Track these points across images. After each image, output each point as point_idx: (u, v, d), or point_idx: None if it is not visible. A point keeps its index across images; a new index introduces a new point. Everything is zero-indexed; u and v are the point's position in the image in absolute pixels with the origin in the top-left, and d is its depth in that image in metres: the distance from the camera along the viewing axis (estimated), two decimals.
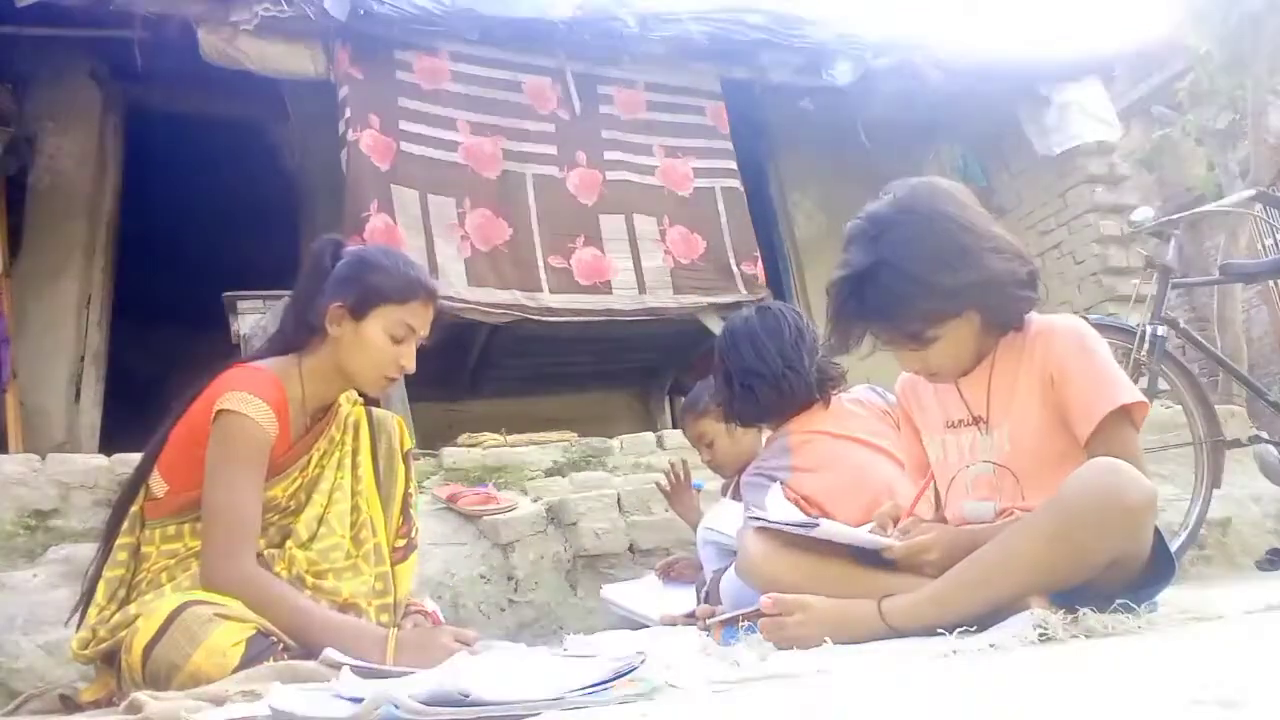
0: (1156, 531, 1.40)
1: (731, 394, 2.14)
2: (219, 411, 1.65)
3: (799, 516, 1.71)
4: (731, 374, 2.14)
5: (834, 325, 1.57)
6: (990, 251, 1.51)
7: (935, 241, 1.50)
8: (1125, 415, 1.48)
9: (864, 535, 1.56)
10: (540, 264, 4.40)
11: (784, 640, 1.47)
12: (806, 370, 2.10)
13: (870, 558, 1.56)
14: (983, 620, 1.35)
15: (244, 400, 1.66)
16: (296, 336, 1.82)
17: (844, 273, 1.53)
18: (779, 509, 1.77)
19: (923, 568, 1.47)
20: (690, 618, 2.24)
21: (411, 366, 1.80)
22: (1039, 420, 1.55)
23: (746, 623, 1.63)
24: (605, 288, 4.51)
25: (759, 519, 1.69)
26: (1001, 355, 1.60)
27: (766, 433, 2.49)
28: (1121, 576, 1.38)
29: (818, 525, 1.56)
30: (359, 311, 1.75)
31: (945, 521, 1.65)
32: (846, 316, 1.55)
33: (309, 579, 1.68)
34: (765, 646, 1.48)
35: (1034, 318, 1.61)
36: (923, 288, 1.48)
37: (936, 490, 1.72)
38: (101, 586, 1.68)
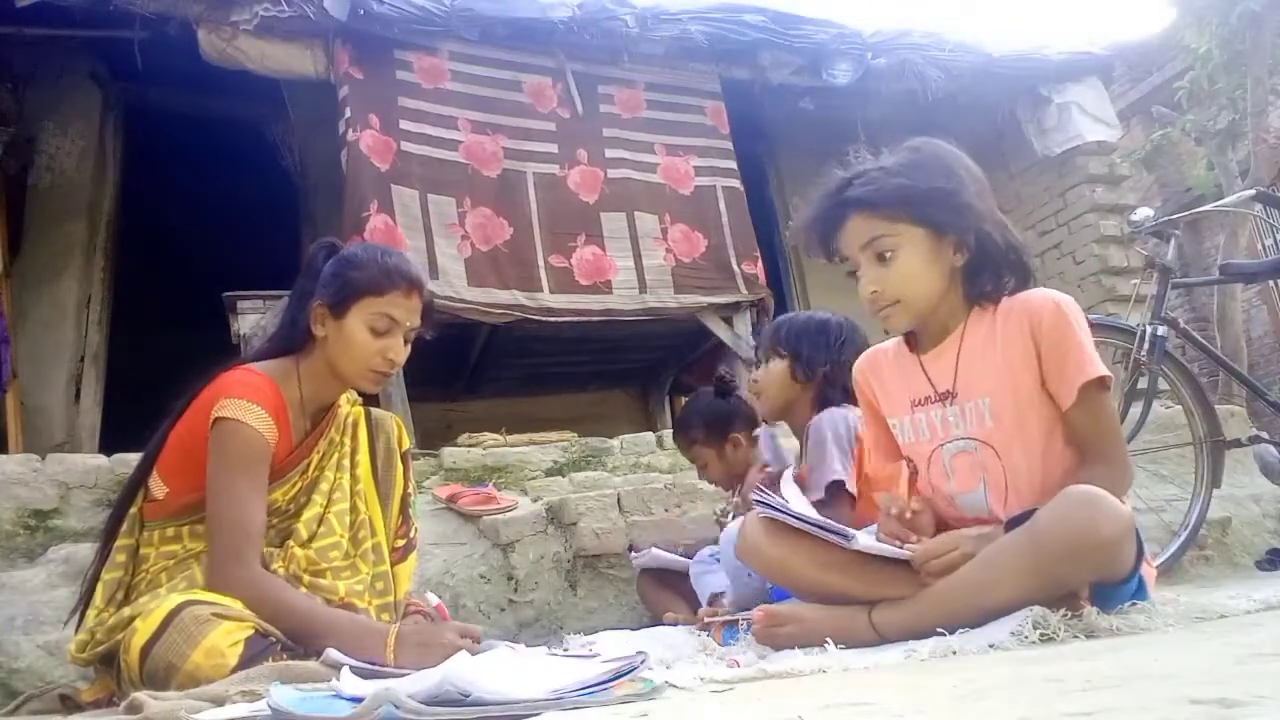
0: (1138, 541, 1.41)
1: (839, 362, 2.17)
2: (217, 419, 1.64)
3: (824, 520, 1.61)
4: (827, 338, 2.24)
5: (815, 208, 1.64)
6: (987, 211, 1.59)
7: (946, 166, 1.59)
8: (1101, 385, 1.53)
9: (890, 549, 1.49)
10: (541, 263, 4.40)
11: (777, 650, 1.48)
12: None
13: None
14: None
15: (242, 407, 1.65)
16: (291, 338, 1.82)
17: (843, 172, 1.61)
18: (799, 500, 1.73)
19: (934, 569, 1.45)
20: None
21: (400, 359, 1.78)
22: (1024, 392, 1.55)
23: (746, 623, 1.63)
24: (606, 287, 4.51)
25: (770, 505, 1.62)
26: (970, 330, 1.62)
27: (755, 448, 2.53)
28: (1102, 591, 1.40)
29: (854, 539, 1.49)
30: (338, 309, 1.75)
31: (920, 496, 1.67)
32: (829, 196, 1.61)
33: (306, 577, 1.68)
34: (765, 647, 1.48)
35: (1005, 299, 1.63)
36: (917, 183, 1.55)
37: (914, 468, 1.71)
38: (100, 589, 1.67)
